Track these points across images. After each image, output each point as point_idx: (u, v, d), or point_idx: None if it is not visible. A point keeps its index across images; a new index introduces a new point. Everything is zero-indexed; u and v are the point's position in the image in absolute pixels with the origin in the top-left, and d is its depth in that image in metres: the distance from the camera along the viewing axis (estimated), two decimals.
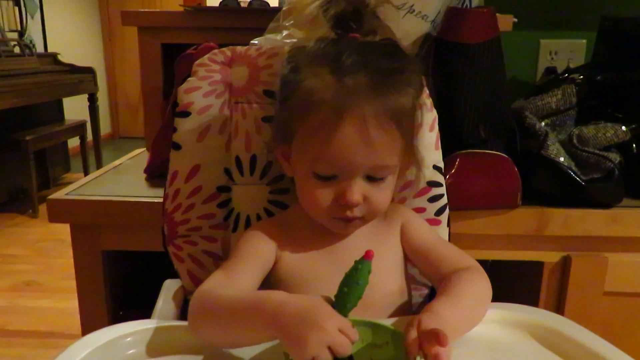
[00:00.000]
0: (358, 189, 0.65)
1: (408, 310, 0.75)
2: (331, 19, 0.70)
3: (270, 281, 0.72)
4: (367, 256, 0.54)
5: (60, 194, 1.05)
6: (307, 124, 0.65)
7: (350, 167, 0.64)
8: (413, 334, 0.53)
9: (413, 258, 0.76)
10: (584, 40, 1.38)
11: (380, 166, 0.65)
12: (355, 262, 0.54)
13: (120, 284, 1.14)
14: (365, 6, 0.71)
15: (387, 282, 0.73)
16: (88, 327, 1.09)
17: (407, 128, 0.67)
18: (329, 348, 0.49)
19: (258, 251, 0.71)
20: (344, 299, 0.54)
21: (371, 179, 0.66)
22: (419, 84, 0.70)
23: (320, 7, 0.72)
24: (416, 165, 0.75)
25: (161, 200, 0.84)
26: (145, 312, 0.75)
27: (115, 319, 1.11)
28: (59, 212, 1.03)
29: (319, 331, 0.50)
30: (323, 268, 0.71)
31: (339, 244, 0.73)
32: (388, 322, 0.64)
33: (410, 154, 0.71)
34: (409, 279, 0.78)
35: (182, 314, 0.77)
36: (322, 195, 0.66)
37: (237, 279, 0.66)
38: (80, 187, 1.11)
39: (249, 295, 0.61)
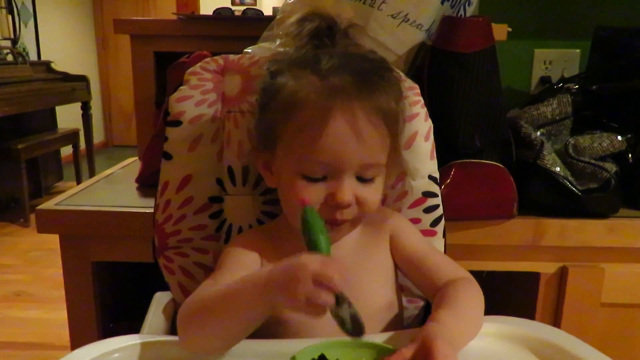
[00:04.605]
0: (349, 189, 0.63)
1: (399, 324, 0.74)
2: (307, 33, 0.70)
3: None
4: (302, 204, 0.60)
5: (49, 204, 1.03)
6: (292, 124, 0.64)
7: (340, 164, 0.62)
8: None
9: (404, 268, 0.75)
10: (578, 50, 1.38)
11: (371, 164, 0.64)
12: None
13: (111, 295, 1.12)
14: (336, 24, 0.72)
15: (376, 297, 0.72)
16: (77, 339, 1.08)
17: (393, 128, 0.66)
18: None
19: (242, 263, 0.70)
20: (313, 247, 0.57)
21: (361, 180, 0.65)
22: (398, 89, 0.70)
23: (297, 23, 0.72)
24: (399, 164, 0.74)
25: (152, 210, 0.82)
26: (135, 324, 0.74)
27: (105, 331, 1.09)
28: (48, 223, 1.01)
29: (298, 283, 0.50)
30: None
31: None
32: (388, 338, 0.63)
33: (396, 158, 0.70)
34: (401, 291, 0.76)
35: (173, 328, 0.76)
36: (311, 198, 0.63)
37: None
38: (70, 197, 1.09)
39: (237, 279, 0.60)
